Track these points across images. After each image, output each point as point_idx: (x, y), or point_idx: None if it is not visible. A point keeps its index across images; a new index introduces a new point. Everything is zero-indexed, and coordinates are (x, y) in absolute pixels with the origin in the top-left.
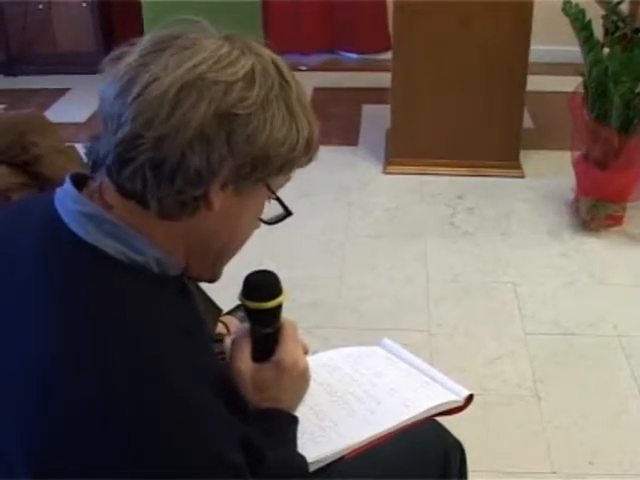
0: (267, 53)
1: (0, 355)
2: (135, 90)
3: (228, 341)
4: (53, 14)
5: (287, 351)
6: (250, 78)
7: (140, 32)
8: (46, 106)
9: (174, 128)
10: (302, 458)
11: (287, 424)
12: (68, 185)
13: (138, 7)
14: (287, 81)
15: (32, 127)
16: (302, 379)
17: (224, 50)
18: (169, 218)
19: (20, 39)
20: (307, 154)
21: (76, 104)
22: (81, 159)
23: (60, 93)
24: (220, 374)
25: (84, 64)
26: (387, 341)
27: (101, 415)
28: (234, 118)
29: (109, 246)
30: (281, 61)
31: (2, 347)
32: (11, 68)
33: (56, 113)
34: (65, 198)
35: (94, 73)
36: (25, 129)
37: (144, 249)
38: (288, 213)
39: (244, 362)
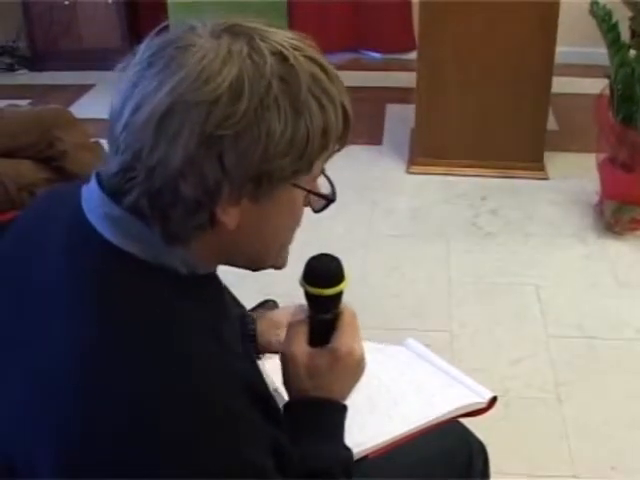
0: (271, 42)
1: (32, 353)
2: (124, 118)
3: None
4: (79, 10)
5: (343, 339)
6: (237, 88)
7: (166, 29)
8: (71, 102)
9: (161, 159)
10: (348, 452)
11: (337, 414)
12: (93, 184)
13: (164, 4)
14: (295, 70)
15: (58, 123)
16: (357, 368)
17: (207, 59)
18: (175, 244)
19: (46, 35)
20: (329, 142)
21: (101, 100)
22: (106, 155)
23: (85, 89)
24: (251, 378)
25: (109, 60)
26: (411, 341)
27: (132, 417)
28: (221, 140)
29: (135, 248)
30: (289, 45)
31: (35, 345)
32: (37, 64)
33: (81, 109)
34: (91, 198)
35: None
36: (51, 125)
37: (169, 251)
38: (329, 200)
39: (299, 346)
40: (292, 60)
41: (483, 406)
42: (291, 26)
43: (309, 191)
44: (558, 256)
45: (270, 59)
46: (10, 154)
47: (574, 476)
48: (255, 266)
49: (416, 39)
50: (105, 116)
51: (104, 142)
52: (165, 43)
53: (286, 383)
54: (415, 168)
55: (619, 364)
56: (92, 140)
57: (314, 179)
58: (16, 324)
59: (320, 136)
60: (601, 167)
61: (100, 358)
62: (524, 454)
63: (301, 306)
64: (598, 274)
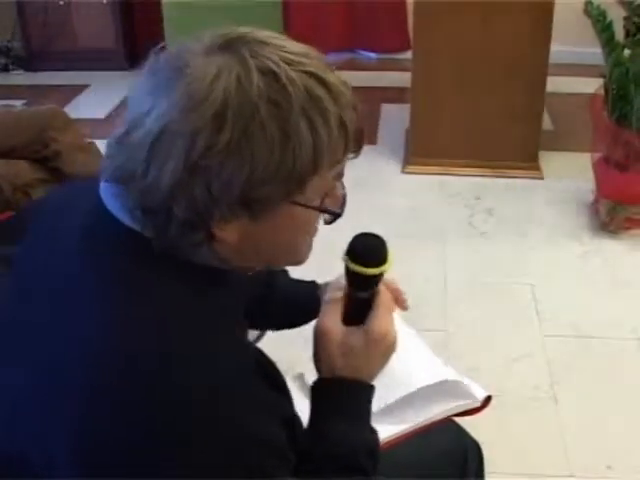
0: (263, 59)
1: (53, 338)
2: (122, 132)
3: None
4: (73, 10)
5: (379, 321)
6: (220, 116)
7: (160, 30)
8: (66, 102)
9: (152, 184)
10: (374, 435)
11: (365, 395)
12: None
13: (158, 5)
14: (287, 91)
15: (53, 123)
16: (389, 351)
17: (193, 86)
18: (171, 257)
19: (41, 35)
20: (320, 163)
21: (96, 100)
22: (101, 155)
23: (80, 89)
24: (259, 358)
25: (104, 61)
26: None
27: (149, 417)
28: (206, 168)
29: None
30: (282, 60)
31: (56, 331)
32: (31, 64)
33: (76, 109)
34: (107, 190)
35: (114, 70)
36: (46, 125)
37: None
38: (335, 215)
39: (334, 323)
40: (284, 79)
41: (477, 405)
42: (286, 26)
43: (309, 207)
44: (553, 255)
45: (258, 80)
46: (5, 154)
47: (570, 475)
48: (269, 268)
49: (411, 39)
50: (100, 116)
51: (99, 142)
52: (166, 59)
53: (316, 358)
54: (410, 168)
55: (615, 364)
56: (87, 140)
57: (326, 191)
58: (37, 316)
59: (310, 158)
60: (596, 166)
61: (117, 357)
62: (520, 454)
63: (338, 282)
64: (593, 273)
